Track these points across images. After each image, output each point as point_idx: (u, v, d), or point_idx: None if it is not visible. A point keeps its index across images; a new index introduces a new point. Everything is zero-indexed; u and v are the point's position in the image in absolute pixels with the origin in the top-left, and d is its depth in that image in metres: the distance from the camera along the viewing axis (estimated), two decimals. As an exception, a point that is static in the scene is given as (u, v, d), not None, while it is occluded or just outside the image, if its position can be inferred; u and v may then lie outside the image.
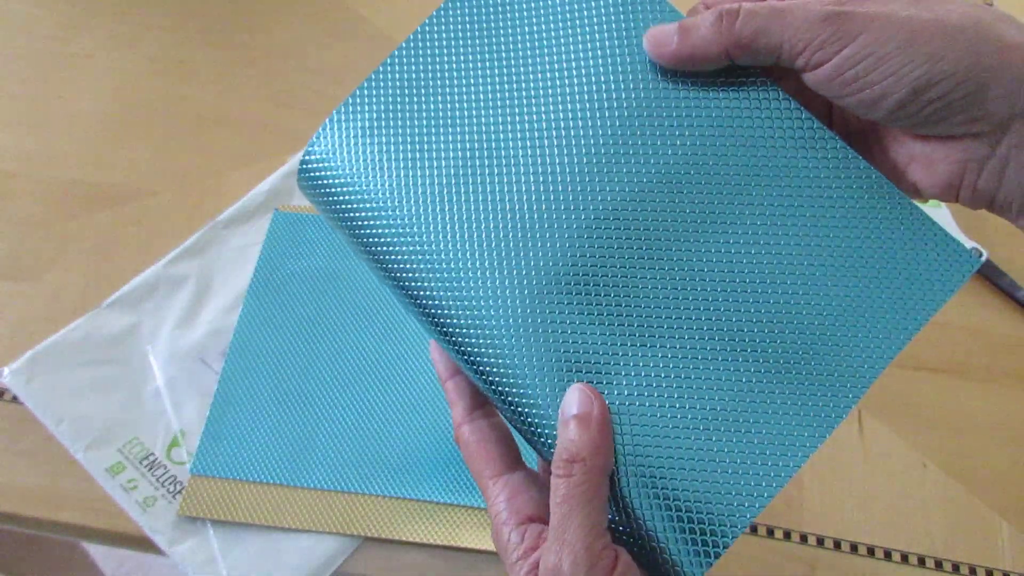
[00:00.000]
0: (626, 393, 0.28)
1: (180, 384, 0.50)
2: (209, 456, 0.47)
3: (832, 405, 0.27)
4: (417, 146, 0.32)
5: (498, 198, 0.31)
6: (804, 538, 0.47)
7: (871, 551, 0.46)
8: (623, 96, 0.31)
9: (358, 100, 0.33)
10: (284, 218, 0.57)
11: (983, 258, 0.26)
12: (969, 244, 0.56)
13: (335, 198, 0.33)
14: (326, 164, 0.33)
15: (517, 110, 0.32)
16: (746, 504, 0.26)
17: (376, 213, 0.32)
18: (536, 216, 0.30)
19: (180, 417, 0.49)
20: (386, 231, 0.32)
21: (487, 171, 0.31)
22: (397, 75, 0.33)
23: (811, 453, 0.27)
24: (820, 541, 0.47)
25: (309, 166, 0.34)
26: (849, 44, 0.28)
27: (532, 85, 0.32)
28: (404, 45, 0.34)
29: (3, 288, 0.54)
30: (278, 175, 0.59)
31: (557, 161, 0.31)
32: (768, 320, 0.28)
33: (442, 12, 0.34)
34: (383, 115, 0.33)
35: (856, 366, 0.28)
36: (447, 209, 0.31)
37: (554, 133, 0.31)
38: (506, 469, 0.31)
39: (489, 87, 0.33)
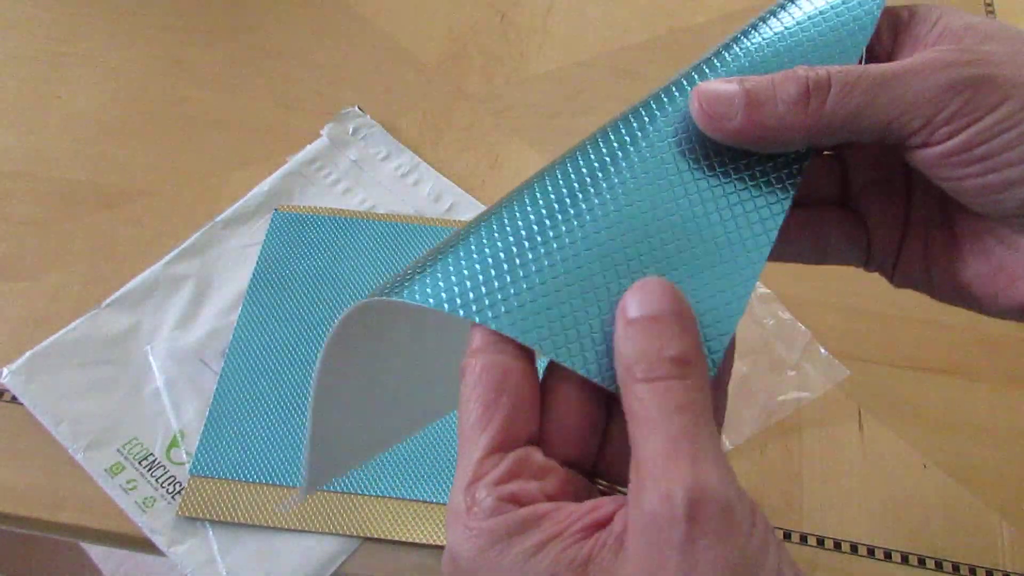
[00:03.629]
0: None
1: (179, 384, 0.50)
2: (208, 456, 0.47)
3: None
4: None
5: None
6: (804, 538, 0.47)
7: (871, 551, 0.46)
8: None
9: None
10: (284, 218, 0.57)
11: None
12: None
13: None
14: None
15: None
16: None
17: None
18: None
19: (179, 417, 0.49)
20: None
21: None
22: None
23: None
24: (820, 541, 0.47)
25: None
26: (985, 116, 0.22)
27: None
28: None
29: (3, 288, 0.54)
30: (278, 175, 0.59)
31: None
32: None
33: None
34: None
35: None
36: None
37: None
38: None
39: None
